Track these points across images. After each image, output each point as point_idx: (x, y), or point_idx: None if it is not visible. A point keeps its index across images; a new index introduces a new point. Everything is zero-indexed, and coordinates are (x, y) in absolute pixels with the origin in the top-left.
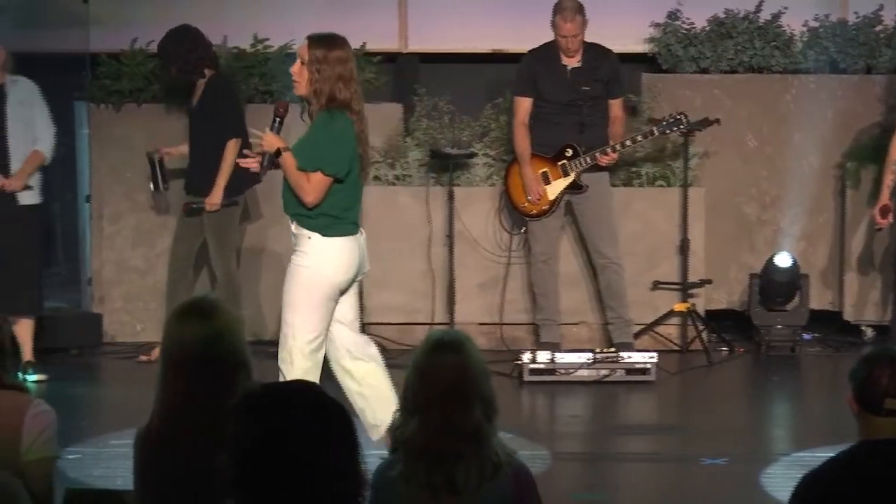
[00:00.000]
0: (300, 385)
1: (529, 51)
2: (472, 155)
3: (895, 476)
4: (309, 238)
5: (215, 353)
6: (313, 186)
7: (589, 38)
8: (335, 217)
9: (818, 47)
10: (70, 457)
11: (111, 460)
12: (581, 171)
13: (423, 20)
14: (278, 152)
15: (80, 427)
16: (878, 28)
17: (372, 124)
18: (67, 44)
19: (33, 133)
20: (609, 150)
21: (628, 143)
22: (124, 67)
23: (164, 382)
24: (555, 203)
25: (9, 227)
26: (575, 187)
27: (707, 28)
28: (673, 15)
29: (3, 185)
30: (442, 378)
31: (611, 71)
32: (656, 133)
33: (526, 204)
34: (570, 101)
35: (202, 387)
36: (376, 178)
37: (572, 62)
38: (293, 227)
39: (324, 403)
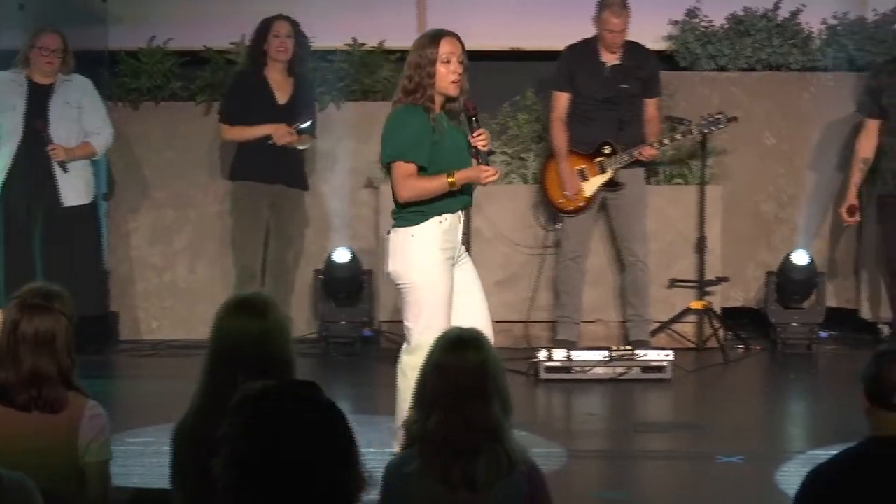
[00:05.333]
0: (299, 386)
1: (568, 46)
2: (490, 153)
3: None
4: None
5: (265, 351)
6: None
7: None
8: None
9: (836, 45)
10: None
11: (127, 458)
12: (619, 169)
13: (441, 17)
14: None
15: None
16: None
17: None
18: (86, 42)
19: (84, 130)
20: (648, 146)
21: (667, 141)
22: (143, 65)
23: (207, 377)
24: (591, 200)
25: (59, 229)
26: (612, 184)
27: (725, 26)
28: (691, 12)
29: (52, 148)
30: (463, 375)
31: (651, 71)
32: (695, 132)
33: (562, 200)
34: (607, 98)
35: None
36: None
37: (612, 59)
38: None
39: (321, 404)
